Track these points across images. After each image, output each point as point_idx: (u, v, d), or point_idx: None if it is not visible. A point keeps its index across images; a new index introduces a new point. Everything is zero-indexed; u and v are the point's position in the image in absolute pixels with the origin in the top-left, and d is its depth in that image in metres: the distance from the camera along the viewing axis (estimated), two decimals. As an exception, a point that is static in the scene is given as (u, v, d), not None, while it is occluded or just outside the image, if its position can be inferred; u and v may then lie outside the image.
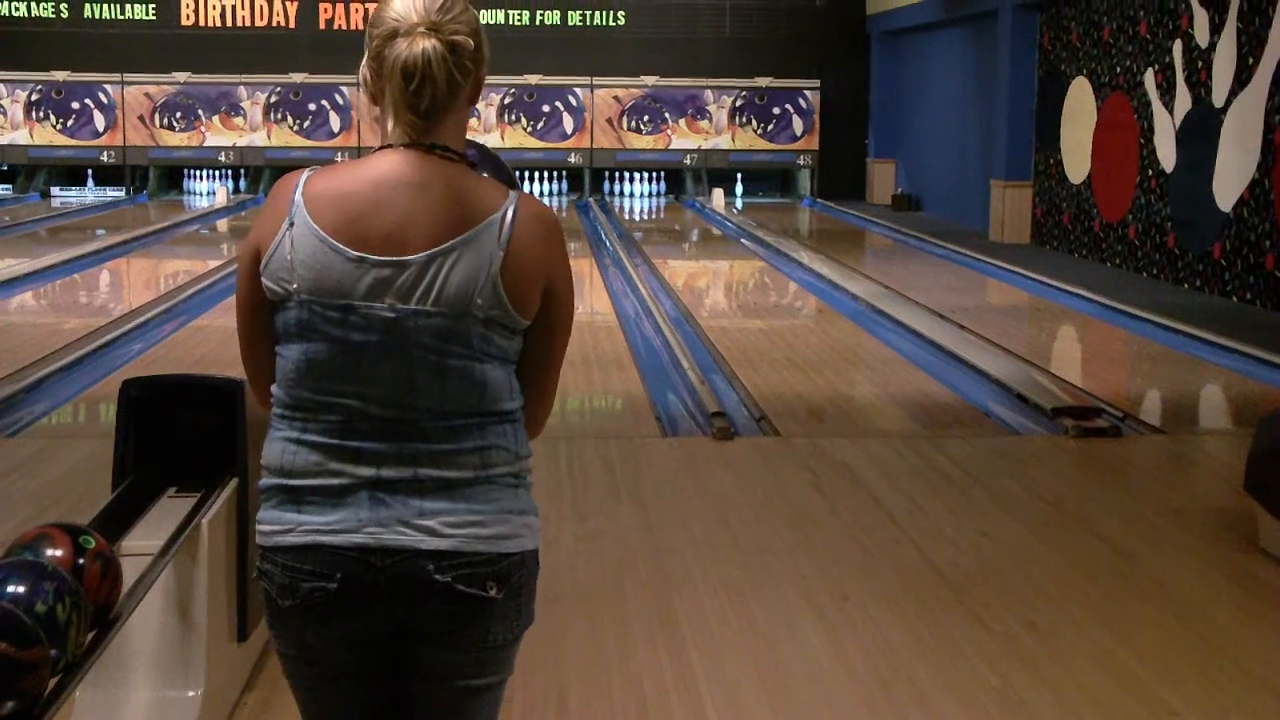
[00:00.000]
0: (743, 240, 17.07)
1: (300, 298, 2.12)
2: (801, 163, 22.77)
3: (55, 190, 22.50)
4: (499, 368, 2.18)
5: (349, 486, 2.14)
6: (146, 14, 22.23)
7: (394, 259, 2.10)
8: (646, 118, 22.52)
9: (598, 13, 22.43)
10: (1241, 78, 11.69)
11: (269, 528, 2.19)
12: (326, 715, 2.28)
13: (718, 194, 21.47)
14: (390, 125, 2.16)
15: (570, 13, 22.42)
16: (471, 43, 2.15)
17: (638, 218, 20.79)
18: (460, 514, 2.15)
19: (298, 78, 22.30)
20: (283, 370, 2.17)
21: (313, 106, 22.37)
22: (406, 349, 2.11)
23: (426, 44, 2.11)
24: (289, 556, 2.16)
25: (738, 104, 22.55)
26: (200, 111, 22.34)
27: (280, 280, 2.13)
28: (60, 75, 22.17)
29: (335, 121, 22.38)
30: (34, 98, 22.23)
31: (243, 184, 22.76)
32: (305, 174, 2.17)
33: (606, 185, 22.76)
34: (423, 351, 2.11)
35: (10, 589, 2.62)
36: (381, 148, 2.18)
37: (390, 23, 2.14)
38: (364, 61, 2.20)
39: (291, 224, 2.13)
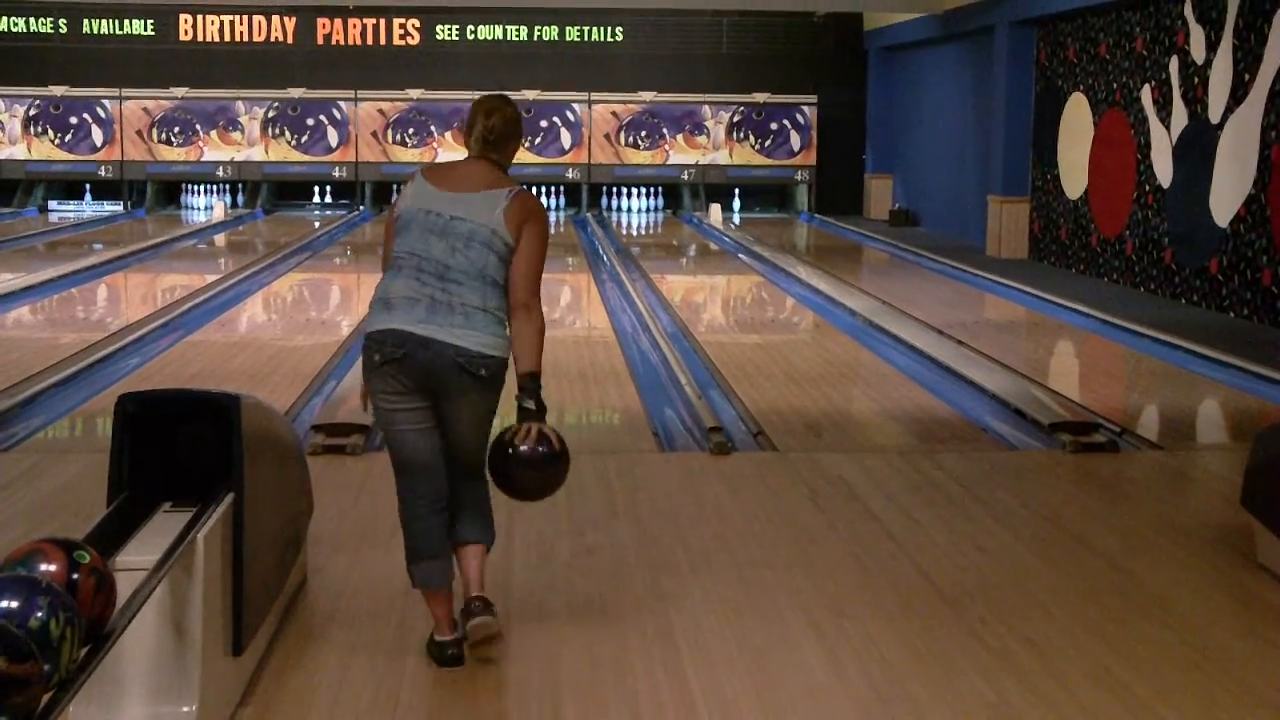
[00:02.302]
0: (740, 255, 17.09)
1: (408, 205, 4.15)
2: (799, 178, 22.80)
3: (53, 205, 22.52)
4: (496, 259, 4.11)
5: (417, 300, 4.06)
6: (145, 29, 22.27)
7: (455, 193, 4.13)
8: (644, 133, 22.55)
9: (595, 28, 22.48)
10: (1238, 94, 11.71)
11: (375, 322, 4.12)
12: (403, 429, 4.15)
13: (715, 209, 21.49)
14: (471, 144, 4.24)
15: (568, 28, 22.47)
16: (513, 119, 4.27)
17: (635, 233, 20.81)
18: (473, 330, 4.06)
19: (296, 93, 22.33)
20: (395, 246, 4.16)
21: (311, 121, 22.39)
22: (451, 234, 4.09)
23: (495, 117, 4.23)
24: (383, 335, 4.07)
25: (735, 119, 22.59)
26: (198, 126, 22.37)
27: (405, 199, 4.19)
28: (58, 90, 22.20)
29: (333, 136, 22.41)
30: (32, 112, 22.25)
31: (240, 199, 22.78)
32: (424, 165, 4.42)
33: (604, 200, 22.80)
34: (457, 237, 4.08)
35: (3, 604, 2.61)
36: (467, 158, 4.27)
37: (480, 105, 4.25)
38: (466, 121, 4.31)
39: (412, 179, 4.23)
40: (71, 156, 22.34)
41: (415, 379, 4.05)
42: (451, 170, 4.21)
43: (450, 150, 22.39)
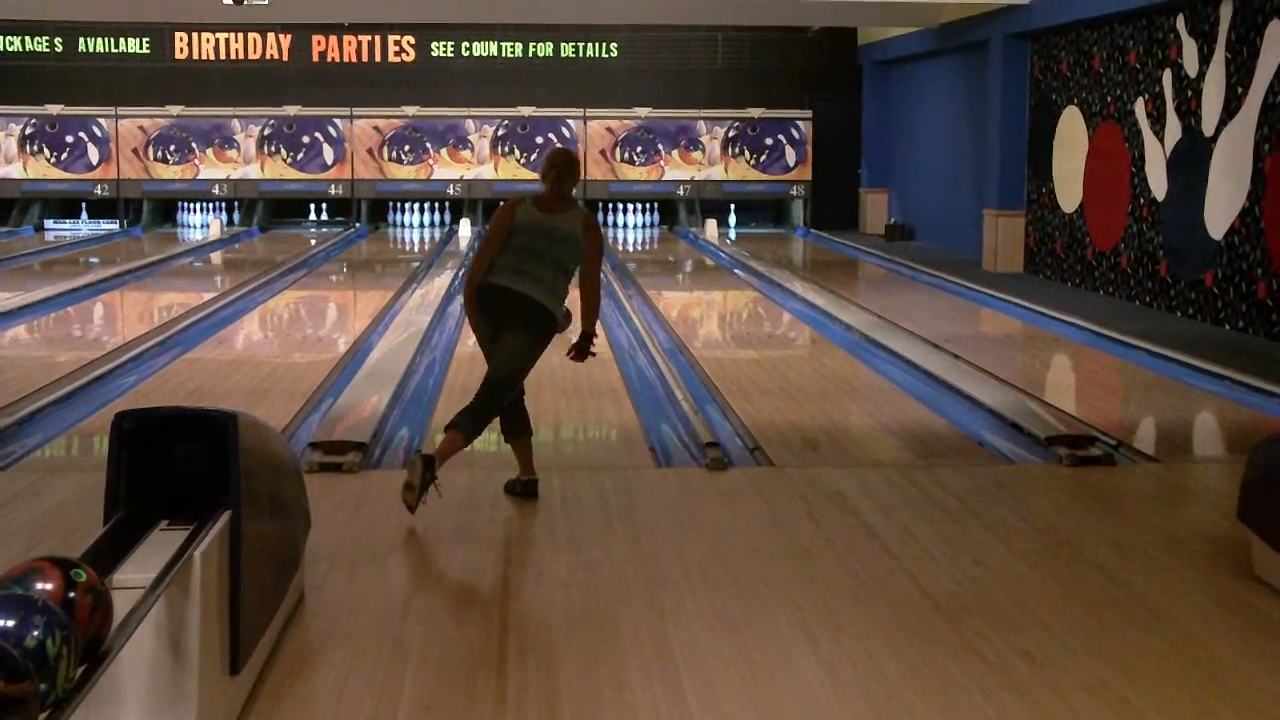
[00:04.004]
0: (736, 270, 17.10)
1: (521, 219, 6.11)
2: (794, 193, 22.84)
3: (49, 223, 22.52)
4: (574, 259, 6.16)
5: (509, 270, 6.03)
6: (140, 48, 22.31)
7: (549, 214, 6.13)
8: (640, 149, 22.58)
9: (590, 44, 22.53)
10: (1231, 107, 11.74)
11: (486, 278, 6.04)
12: (487, 341, 6.09)
13: (711, 224, 21.51)
14: (548, 186, 6.20)
15: (563, 44, 22.51)
16: (575, 170, 6.25)
17: (631, 248, 20.83)
18: (538, 291, 6.00)
19: (291, 110, 22.35)
20: (508, 245, 6.08)
21: (306, 139, 22.41)
22: (551, 235, 6.08)
23: (565, 169, 6.23)
24: (481, 286, 6.05)
25: (730, 135, 22.63)
26: (194, 144, 22.39)
27: (518, 215, 6.13)
28: (54, 109, 22.23)
29: (329, 154, 22.43)
30: (28, 131, 22.27)
31: (236, 216, 22.79)
32: (526, 194, 6.36)
33: (600, 216, 22.81)
34: (553, 239, 6.08)
35: None
36: (547, 191, 6.24)
37: (551, 158, 6.27)
38: (543, 169, 6.30)
39: (524, 201, 6.20)
40: (68, 175, 22.35)
41: (492, 313, 6.04)
42: (549, 201, 6.16)
43: (446, 167, 22.42)
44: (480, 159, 22.47)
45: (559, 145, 6.78)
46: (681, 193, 22.68)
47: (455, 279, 15.21)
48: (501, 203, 6.19)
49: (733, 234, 22.27)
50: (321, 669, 4.25)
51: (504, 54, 22.52)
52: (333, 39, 22.36)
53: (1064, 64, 15.29)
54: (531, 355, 6.03)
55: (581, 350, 6.14)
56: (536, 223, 6.06)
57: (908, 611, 4.80)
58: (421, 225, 22.85)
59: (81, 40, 22.21)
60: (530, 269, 5.99)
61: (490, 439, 7.86)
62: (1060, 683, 4.18)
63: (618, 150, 22.54)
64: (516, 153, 22.45)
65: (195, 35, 22.27)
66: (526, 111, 22.33)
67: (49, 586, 2.87)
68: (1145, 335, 11.04)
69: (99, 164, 22.35)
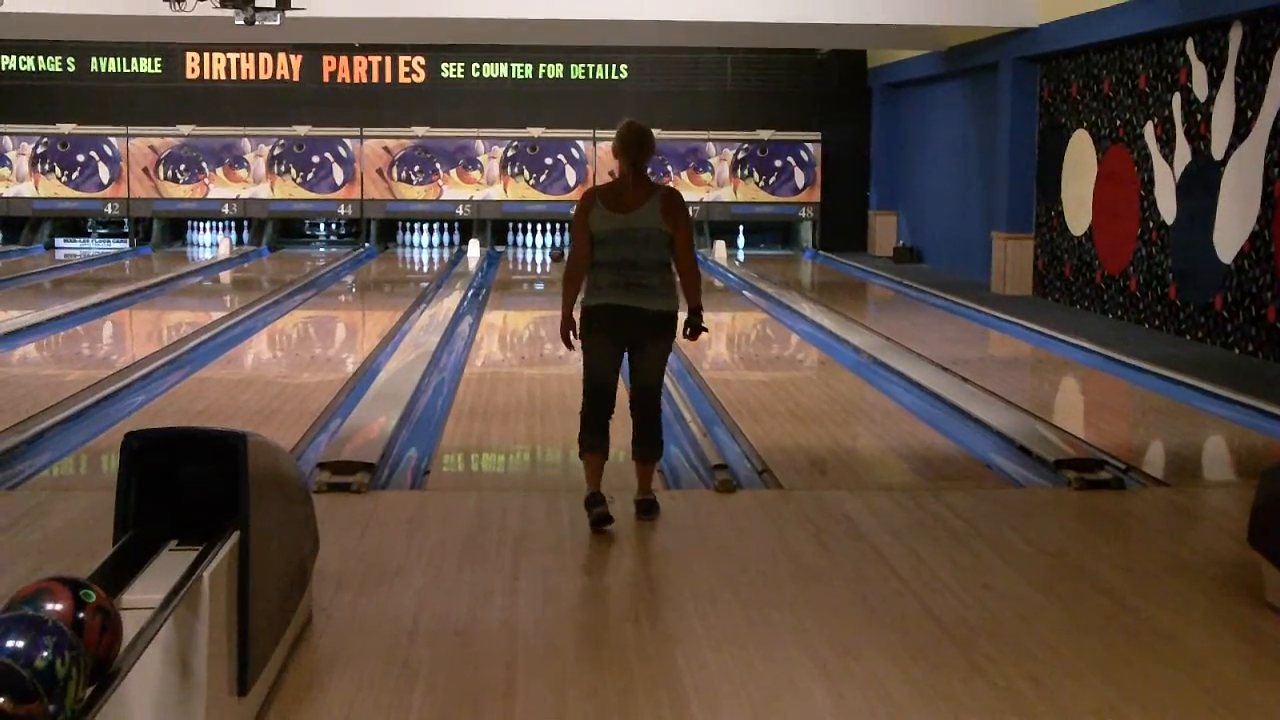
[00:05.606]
0: (745, 292, 17.11)
1: (598, 227, 6.03)
2: (803, 215, 22.85)
3: (59, 242, 22.59)
4: (665, 248, 6.10)
5: (616, 287, 6.02)
6: (152, 67, 22.38)
7: (624, 212, 6.05)
8: (649, 170, 22.55)
9: (600, 66, 22.58)
10: (1240, 131, 11.75)
11: (589, 299, 6.07)
12: (598, 364, 6.15)
13: (720, 246, 21.52)
14: (623, 166, 6.15)
15: (573, 66, 22.56)
16: (650, 144, 6.22)
17: (640, 269, 20.80)
18: (655, 299, 6.06)
19: (301, 130, 22.42)
20: (595, 255, 6.06)
21: (316, 159, 22.47)
22: (633, 238, 6.02)
23: (637, 152, 6.17)
24: (594, 308, 6.06)
25: (739, 156, 22.66)
26: (204, 164, 22.45)
27: (594, 224, 6.06)
28: (66, 128, 22.31)
29: (338, 174, 22.48)
30: (40, 150, 22.35)
31: (246, 236, 22.84)
32: (594, 187, 6.30)
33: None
34: (637, 242, 6.02)
35: (9, 644, 2.62)
36: (620, 174, 6.16)
37: (622, 138, 6.22)
38: (614, 147, 6.28)
39: (594, 203, 6.10)
40: (78, 194, 22.43)
41: (616, 332, 6.10)
42: (632, 188, 6.13)
43: (455, 188, 22.47)
44: (490, 180, 22.51)
45: (629, 119, 6.47)
46: (690, 214, 22.67)
47: (464, 300, 15.23)
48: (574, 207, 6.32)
49: (741, 255, 22.29)
50: (329, 690, 4.25)
51: (514, 75, 22.58)
52: (343, 59, 22.43)
53: (1073, 87, 15.30)
54: (668, 357, 6.30)
55: (695, 329, 6.22)
56: (616, 229, 6.02)
57: (915, 635, 4.79)
58: (430, 246, 22.89)
59: (93, 60, 22.29)
60: (635, 279, 6.04)
61: (498, 459, 7.87)
62: (1068, 708, 4.17)
63: (627, 171, 22.53)
64: (526, 174, 22.49)
65: (206, 55, 22.35)
66: (536, 132, 22.38)
67: (58, 607, 2.87)
68: (1154, 359, 11.02)
69: (110, 183, 22.43)
